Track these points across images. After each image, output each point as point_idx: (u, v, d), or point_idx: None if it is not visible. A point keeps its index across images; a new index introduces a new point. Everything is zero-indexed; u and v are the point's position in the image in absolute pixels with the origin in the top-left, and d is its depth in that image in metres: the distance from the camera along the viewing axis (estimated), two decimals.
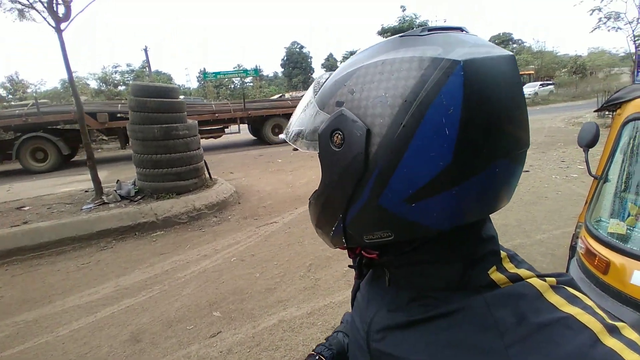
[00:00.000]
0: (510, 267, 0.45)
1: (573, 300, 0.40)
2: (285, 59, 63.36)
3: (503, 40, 43.76)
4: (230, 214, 5.57)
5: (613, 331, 0.36)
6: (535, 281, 0.42)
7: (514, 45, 43.64)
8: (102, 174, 7.17)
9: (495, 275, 0.43)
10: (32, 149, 10.32)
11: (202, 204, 5.60)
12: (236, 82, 37.90)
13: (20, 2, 5.62)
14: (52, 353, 2.57)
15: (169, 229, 5.05)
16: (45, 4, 5.25)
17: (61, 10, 5.43)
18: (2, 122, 10.18)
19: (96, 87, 18.78)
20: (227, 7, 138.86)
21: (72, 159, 12.03)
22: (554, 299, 0.40)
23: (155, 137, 5.67)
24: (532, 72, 33.43)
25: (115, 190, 5.85)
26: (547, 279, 0.42)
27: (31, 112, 10.26)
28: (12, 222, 4.96)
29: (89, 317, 3.00)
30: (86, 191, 6.43)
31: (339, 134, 0.42)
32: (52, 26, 5.36)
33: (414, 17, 35.42)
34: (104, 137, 12.75)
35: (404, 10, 35.98)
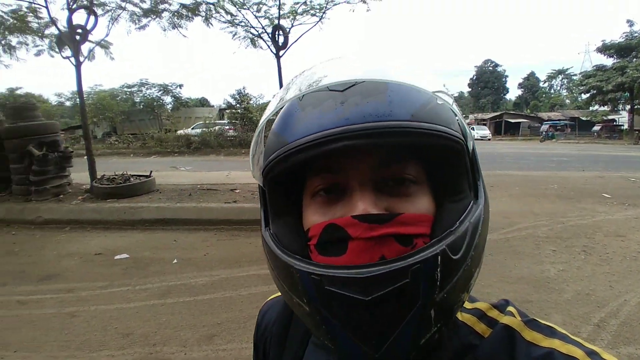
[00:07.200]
0: (466, 304, 0.45)
1: (548, 332, 0.39)
2: (474, 77, 59.59)
3: None
4: None
5: (594, 355, 0.35)
6: (510, 321, 0.41)
7: None
8: None
9: (461, 316, 0.43)
10: None
11: None
12: None
13: (252, 33, 7.11)
14: (232, 307, 3.07)
15: None
16: (270, 35, 6.48)
17: (281, 39, 6.59)
18: None
19: None
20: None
21: None
22: (531, 335, 0.39)
23: None
24: None
25: None
26: (512, 311, 0.42)
27: None
28: (225, 200, 6.27)
29: (264, 287, 3.43)
30: None
31: None
32: (273, 53, 6.55)
33: None
34: None
35: (631, 25, 28.90)
